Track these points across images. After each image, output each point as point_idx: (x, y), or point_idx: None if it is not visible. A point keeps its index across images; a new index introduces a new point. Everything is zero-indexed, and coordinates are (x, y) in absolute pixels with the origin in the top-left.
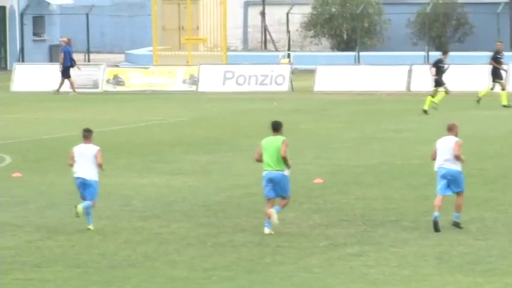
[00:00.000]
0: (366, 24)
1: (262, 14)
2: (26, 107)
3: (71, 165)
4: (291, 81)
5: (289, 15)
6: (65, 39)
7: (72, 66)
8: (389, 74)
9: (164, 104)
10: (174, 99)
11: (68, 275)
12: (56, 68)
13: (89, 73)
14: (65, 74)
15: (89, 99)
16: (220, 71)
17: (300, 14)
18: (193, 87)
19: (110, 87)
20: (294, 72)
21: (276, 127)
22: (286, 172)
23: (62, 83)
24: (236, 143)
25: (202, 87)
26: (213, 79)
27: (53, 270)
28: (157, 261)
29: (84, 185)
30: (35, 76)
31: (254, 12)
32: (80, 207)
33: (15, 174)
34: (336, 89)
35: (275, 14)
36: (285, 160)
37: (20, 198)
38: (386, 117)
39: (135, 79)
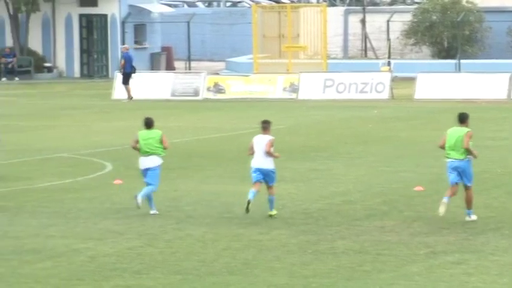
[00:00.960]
0: (467, 32)
1: (363, 21)
2: (128, 115)
3: (251, 154)
4: (391, 89)
5: (390, 23)
6: (126, 46)
7: (133, 72)
8: (490, 81)
9: (264, 112)
10: (274, 107)
11: (168, 281)
12: (158, 76)
13: (190, 81)
14: (125, 80)
15: (190, 107)
16: (321, 79)
17: (401, 21)
18: (294, 95)
19: (211, 95)
20: (394, 79)
21: (462, 119)
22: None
23: (128, 90)
24: (336, 150)
25: (302, 95)
26: (313, 87)
27: (153, 276)
28: (257, 268)
29: (262, 175)
30: (136, 84)
31: (354, 20)
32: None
33: (116, 181)
34: (436, 96)
35: (375, 22)
36: (468, 151)
37: (121, 205)
38: (487, 125)
39: (236, 87)
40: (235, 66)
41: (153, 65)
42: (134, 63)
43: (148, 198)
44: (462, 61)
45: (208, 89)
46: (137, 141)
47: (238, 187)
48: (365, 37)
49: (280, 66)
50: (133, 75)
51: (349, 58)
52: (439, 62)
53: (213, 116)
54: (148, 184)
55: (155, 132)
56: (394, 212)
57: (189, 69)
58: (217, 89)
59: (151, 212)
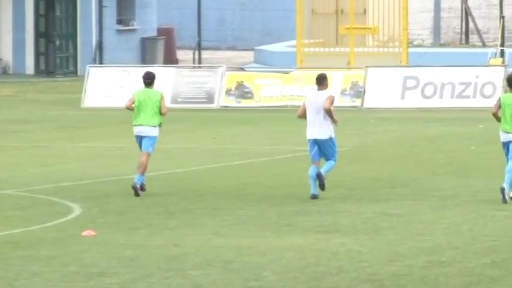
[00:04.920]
0: None
1: None
2: (104, 132)
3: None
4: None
5: None
6: None
7: None
8: None
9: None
10: None
11: None
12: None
13: (201, 80)
14: None
15: (200, 119)
16: (398, 77)
17: None
18: (357, 101)
19: (232, 101)
20: None
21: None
22: None
23: None
24: (420, 185)
25: (370, 100)
26: (386, 89)
27: None
28: None
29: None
30: (119, 84)
31: None
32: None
33: (86, 233)
34: None
35: None
36: None
37: (94, 269)
38: None
39: (269, 89)
40: (269, 57)
41: (146, 56)
42: (118, 51)
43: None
44: None
45: (229, 93)
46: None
47: (270, 240)
48: (466, 14)
49: (338, 57)
50: (116, 70)
51: (442, 45)
52: None
53: (234, 133)
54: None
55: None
56: (509, 279)
57: (200, 62)
58: (242, 92)
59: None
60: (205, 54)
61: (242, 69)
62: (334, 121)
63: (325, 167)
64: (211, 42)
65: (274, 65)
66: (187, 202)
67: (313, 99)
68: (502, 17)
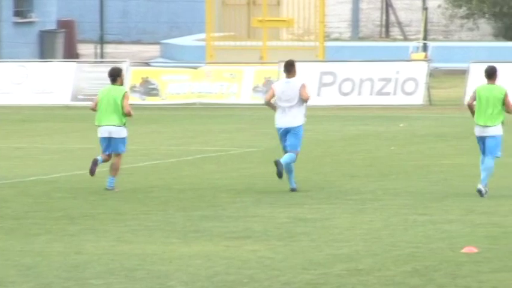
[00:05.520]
0: None
1: None
2: (0, 131)
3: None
4: (428, 89)
5: None
6: None
7: None
8: None
9: (224, 126)
10: (239, 118)
11: None
12: (52, 68)
13: (104, 76)
14: None
15: None
16: (314, 73)
17: None
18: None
19: (136, 99)
20: (433, 74)
21: (492, 73)
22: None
23: None
24: (337, 188)
25: None
26: None
27: None
28: None
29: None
30: (16, 81)
31: None
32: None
33: None
34: None
35: None
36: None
37: None
38: None
39: (177, 85)
40: (177, 52)
41: (44, 50)
42: (15, 45)
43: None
44: None
45: (133, 89)
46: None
47: (177, 247)
48: (387, 5)
49: (250, 52)
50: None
51: (361, 39)
52: (506, 44)
53: (139, 132)
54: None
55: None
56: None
57: (102, 57)
58: (147, 88)
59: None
60: (108, 48)
61: (147, 64)
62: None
63: (285, 158)
64: (114, 35)
65: (182, 60)
66: (89, 206)
67: (284, 87)
68: (425, 9)
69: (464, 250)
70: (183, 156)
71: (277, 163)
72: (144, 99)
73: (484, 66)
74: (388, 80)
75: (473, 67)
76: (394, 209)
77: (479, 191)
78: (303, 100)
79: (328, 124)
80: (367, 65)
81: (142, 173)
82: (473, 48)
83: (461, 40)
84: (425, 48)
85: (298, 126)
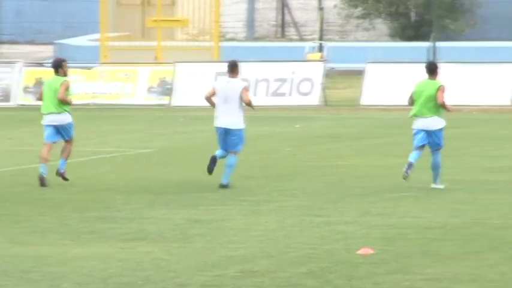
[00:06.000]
0: None
1: None
2: None
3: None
4: (324, 90)
5: None
6: None
7: None
8: (486, 77)
9: (118, 127)
10: (134, 119)
11: None
12: None
13: None
14: None
15: None
16: (210, 73)
17: None
18: (165, 99)
19: (30, 100)
20: (329, 74)
21: (433, 69)
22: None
23: None
24: (233, 189)
25: (179, 98)
26: (197, 86)
27: None
28: None
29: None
30: None
31: None
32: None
33: None
34: (396, 101)
35: None
36: (444, 107)
37: None
38: (481, 147)
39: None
40: (71, 52)
41: None
42: None
43: None
44: (440, 44)
45: (27, 90)
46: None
47: (71, 249)
48: (282, 5)
49: (144, 52)
50: None
51: (257, 39)
52: (402, 45)
53: (34, 133)
54: None
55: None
56: None
57: None
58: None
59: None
60: (1, 48)
61: (41, 64)
62: (252, 108)
63: (227, 167)
64: (8, 35)
65: (77, 60)
66: None
67: (225, 86)
68: (320, 9)
69: (360, 251)
70: (78, 158)
71: (213, 159)
72: (37, 100)
73: (380, 66)
74: (283, 81)
75: (369, 67)
76: (289, 210)
77: (410, 164)
78: (244, 103)
79: None
80: (263, 66)
81: (36, 175)
82: (370, 48)
83: (357, 40)
84: (321, 48)
85: (239, 131)
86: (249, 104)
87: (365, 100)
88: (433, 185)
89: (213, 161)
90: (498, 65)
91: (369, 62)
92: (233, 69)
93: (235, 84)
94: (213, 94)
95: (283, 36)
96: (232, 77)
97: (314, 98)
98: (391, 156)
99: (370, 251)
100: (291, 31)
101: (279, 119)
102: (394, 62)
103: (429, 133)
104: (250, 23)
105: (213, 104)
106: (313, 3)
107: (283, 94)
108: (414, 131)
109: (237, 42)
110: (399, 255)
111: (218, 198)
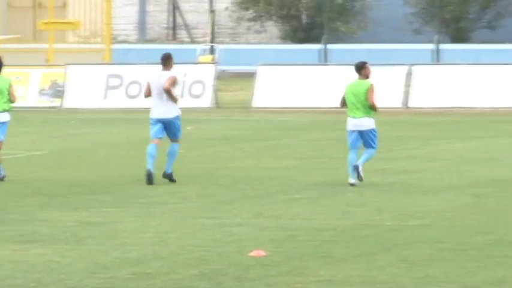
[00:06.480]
0: (339, 0)
1: None
2: None
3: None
4: (216, 92)
5: None
6: None
7: None
8: (377, 79)
9: (10, 130)
10: (25, 121)
11: None
12: None
13: None
14: None
15: None
16: (101, 76)
17: None
18: (56, 102)
19: None
20: (220, 76)
21: (361, 68)
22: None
23: None
24: (125, 191)
25: (71, 100)
26: (88, 88)
27: None
28: None
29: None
30: None
31: None
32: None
33: None
34: (288, 103)
35: None
36: (373, 108)
37: None
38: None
39: None
40: None
41: None
42: None
43: None
44: (331, 46)
45: None
46: None
47: None
48: (174, 7)
49: (36, 54)
50: None
51: (148, 41)
52: (293, 47)
53: None
54: None
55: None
56: None
57: None
58: None
59: None
60: None
61: None
62: (174, 101)
63: (170, 156)
64: None
65: None
66: None
67: (157, 79)
68: (212, 11)
69: (252, 253)
70: None
71: (148, 174)
72: None
73: (272, 68)
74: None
75: (260, 70)
76: (182, 212)
77: (356, 167)
78: (164, 90)
79: (115, 127)
80: (154, 68)
81: None
82: (261, 50)
83: (248, 43)
84: (212, 50)
85: (174, 118)
86: (166, 91)
87: (257, 102)
88: (352, 180)
89: (149, 176)
90: (390, 67)
91: (260, 65)
92: (166, 62)
93: (166, 76)
94: (149, 90)
95: (174, 38)
96: (165, 69)
97: (206, 101)
98: (283, 158)
99: (262, 253)
100: (182, 33)
101: None
102: (285, 64)
103: (361, 133)
104: (142, 25)
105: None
106: (204, 5)
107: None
108: (348, 132)
109: (129, 45)
110: (291, 257)
111: (110, 201)
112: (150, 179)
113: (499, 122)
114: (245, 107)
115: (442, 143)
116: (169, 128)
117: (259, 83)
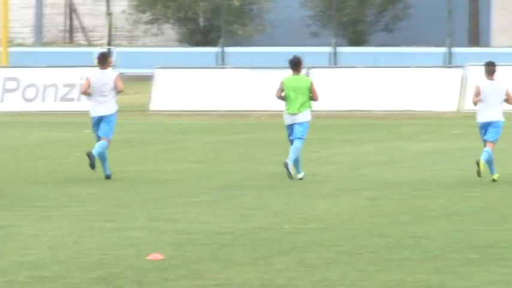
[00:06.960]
0: (236, 3)
1: None
2: None
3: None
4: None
5: None
6: None
7: None
8: (273, 82)
9: None
10: None
11: None
12: None
13: None
14: None
15: None
16: None
17: None
18: None
19: None
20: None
21: (297, 63)
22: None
23: None
24: (22, 195)
25: None
26: None
27: None
28: None
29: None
30: None
31: None
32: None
33: None
34: (186, 106)
35: None
36: (316, 100)
37: None
38: (270, 153)
39: None
40: None
41: None
42: None
43: None
44: (228, 49)
45: None
46: None
47: None
48: (71, 10)
49: None
50: None
51: (45, 44)
52: (191, 50)
53: None
54: None
55: None
56: None
57: None
58: None
59: None
60: None
61: None
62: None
63: (97, 147)
64: None
65: None
66: None
67: (99, 78)
68: (109, 14)
69: (150, 257)
70: None
71: (89, 155)
72: None
73: (169, 71)
74: (72, 86)
75: (158, 73)
76: (79, 216)
77: (286, 165)
78: (117, 91)
79: (11, 130)
80: (51, 71)
81: None
82: (158, 53)
83: (146, 45)
84: (109, 53)
85: (111, 115)
86: (121, 91)
87: (154, 105)
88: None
89: (90, 156)
90: (284, 70)
91: (157, 68)
92: (103, 61)
93: (109, 74)
94: (88, 87)
95: (71, 41)
96: (103, 68)
97: None
98: (181, 162)
99: (160, 257)
100: (79, 36)
101: (68, 124)
102: (183, 67)
103: (296, 125)
104: (38, 28)
105: (90, 95)
106: (101, 8)
107: (71, 99)
108: (287, 127)
109: (26, 48)
110: (189, 261)
111: (8, 204)
112: (92, 162)
113: (396, 125)
114: (143, 110)
115: (340, 146)
116: (105, 124)
117: (156, 86)
